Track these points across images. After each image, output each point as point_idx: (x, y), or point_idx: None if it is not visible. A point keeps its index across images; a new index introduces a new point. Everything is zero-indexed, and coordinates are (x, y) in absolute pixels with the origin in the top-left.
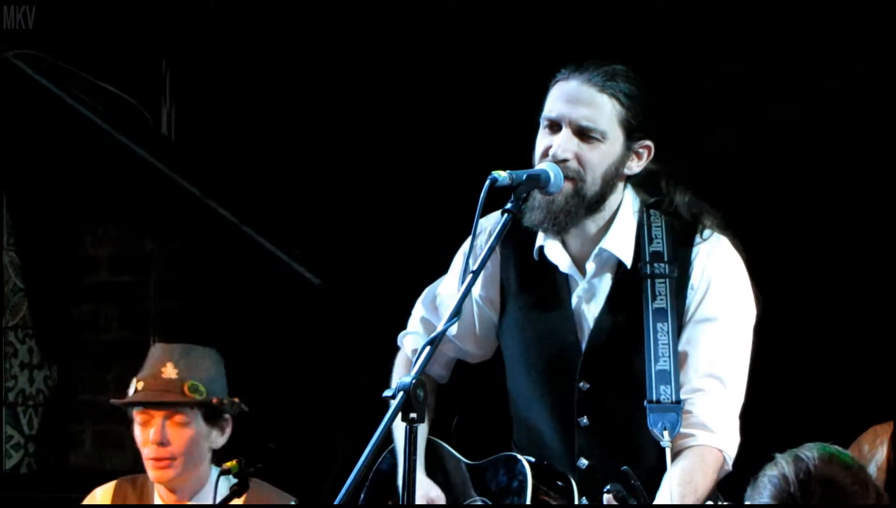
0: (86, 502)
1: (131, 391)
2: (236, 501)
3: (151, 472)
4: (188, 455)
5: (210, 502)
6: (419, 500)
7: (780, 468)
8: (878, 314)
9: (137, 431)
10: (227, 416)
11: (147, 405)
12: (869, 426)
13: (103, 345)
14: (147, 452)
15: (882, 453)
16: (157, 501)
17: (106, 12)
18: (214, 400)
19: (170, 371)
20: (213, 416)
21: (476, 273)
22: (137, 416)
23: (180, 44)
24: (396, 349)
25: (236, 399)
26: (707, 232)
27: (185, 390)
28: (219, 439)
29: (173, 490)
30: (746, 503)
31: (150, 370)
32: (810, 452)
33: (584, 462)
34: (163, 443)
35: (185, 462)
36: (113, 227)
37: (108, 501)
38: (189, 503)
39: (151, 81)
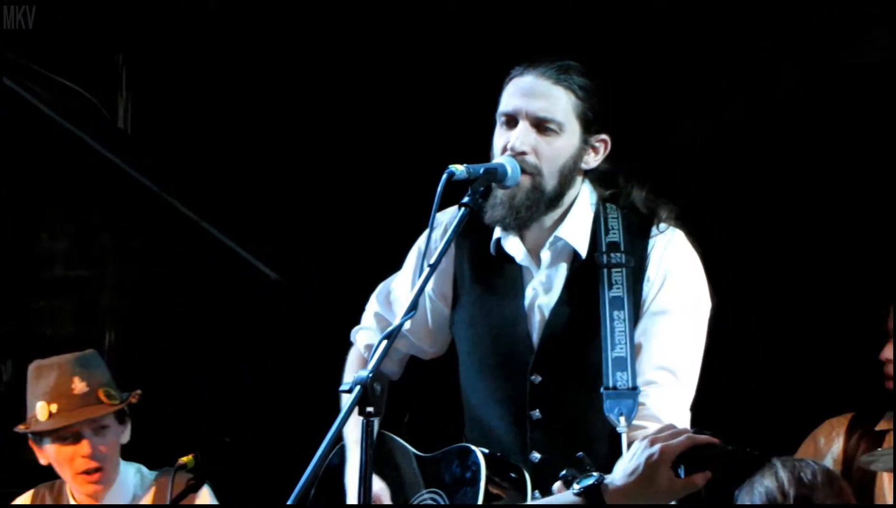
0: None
1: (42, 415)
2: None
3: (83, 486)
4: (113, 459)
5: (123, 493)
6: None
7: (779, 481)
8: (832, 308)
9: (54, 451)
10: (127, 410)
11: (75, 424)
12: (824, 419)
13: (59, 340)
14: (76, 467)
15: (838, 446)
16: (71, 502)
17: (60, 5)
18: (132, 399)
19: (78, 385)
20: (121, 415)
21: (433, 267)
22: (56, 438)
23: (136, 37)
24: (350, 344)
25: (138, 391)
26: (663, 225)
27: (101, 398)
28: (126, 434)
29: (94, 493)
30: (737, 503)
31: (55, 389)
32: (812, 474)
33: (536, 455)
34: (94, 456)
35: (112, 465)
36: (69, 222)
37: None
38: (107, 497)
39: (107, 75)
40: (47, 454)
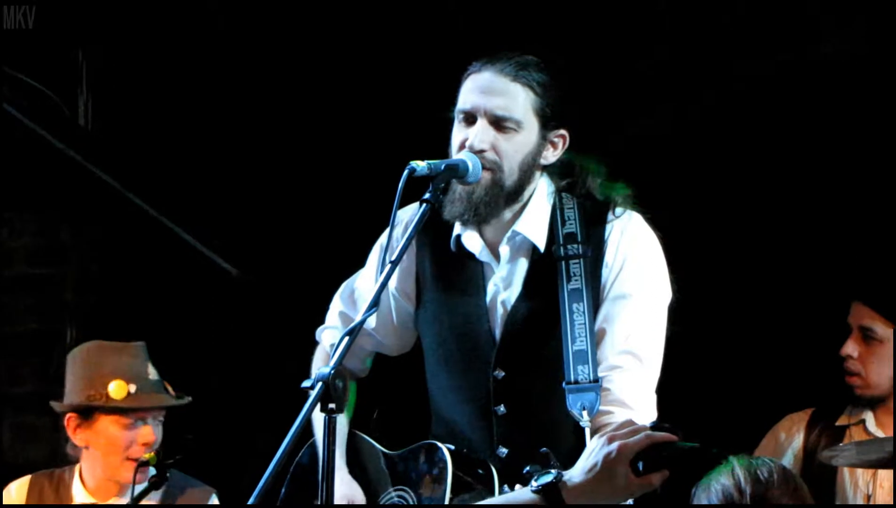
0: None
1: (119, 393)
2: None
3: (128, 474)
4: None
5: (130, 494)
6: (340, 499)
7: (735, 479)
8: (793, 303)
9: (113, 432)
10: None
11: (154, 407)
12: (785, 414)
13: (19, 337)
14: (132, 452)
15: (798, 441)
16: (79, 495)
17: (19, 3)
18: (188, 399)
19: (152, 373)
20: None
21: (394, 264)
22: (121, 418)
23: (96, 33)
24: (315, 343)
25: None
26: (619, 209)
27: (169, 388)
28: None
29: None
30: (694, 502)
31: (132, 370)
32: (768, 472)
33: (503, 450)
34: (152, 444)
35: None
36: (30, 218)
37: (23, 495)
38: (116, 496)
39: (68, 72)
40: (98, 434)
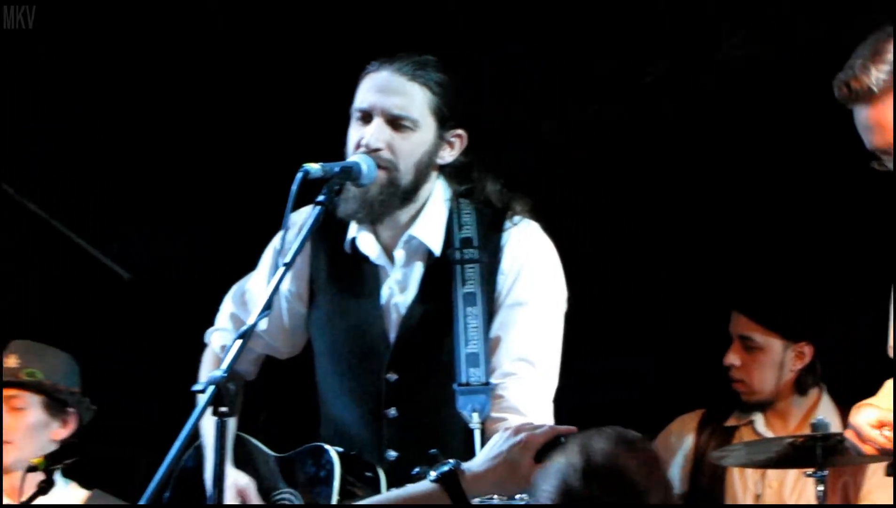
0: None
1: None
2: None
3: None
4: (23, 442)
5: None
6: (229, 490)
7: (567, 455)
8: (685, 305)
9: None
10: (71, 409)
11: None
12: (676, 415)
13: None
14: None
15: (689, 442)
16: None
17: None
18: (46, 382)
19: (11, 361)
20: (53, 406)
21: (287, 266)
22: None
23: None
24: (204, 346)
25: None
26: (517, 217)
27: (20, 375)
28: (61, 431)
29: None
30: (536, 488)
31: None
32: (600, 440)
33: (392, 453)
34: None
35: (21, 448)
36: None
37: None
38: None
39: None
40: None
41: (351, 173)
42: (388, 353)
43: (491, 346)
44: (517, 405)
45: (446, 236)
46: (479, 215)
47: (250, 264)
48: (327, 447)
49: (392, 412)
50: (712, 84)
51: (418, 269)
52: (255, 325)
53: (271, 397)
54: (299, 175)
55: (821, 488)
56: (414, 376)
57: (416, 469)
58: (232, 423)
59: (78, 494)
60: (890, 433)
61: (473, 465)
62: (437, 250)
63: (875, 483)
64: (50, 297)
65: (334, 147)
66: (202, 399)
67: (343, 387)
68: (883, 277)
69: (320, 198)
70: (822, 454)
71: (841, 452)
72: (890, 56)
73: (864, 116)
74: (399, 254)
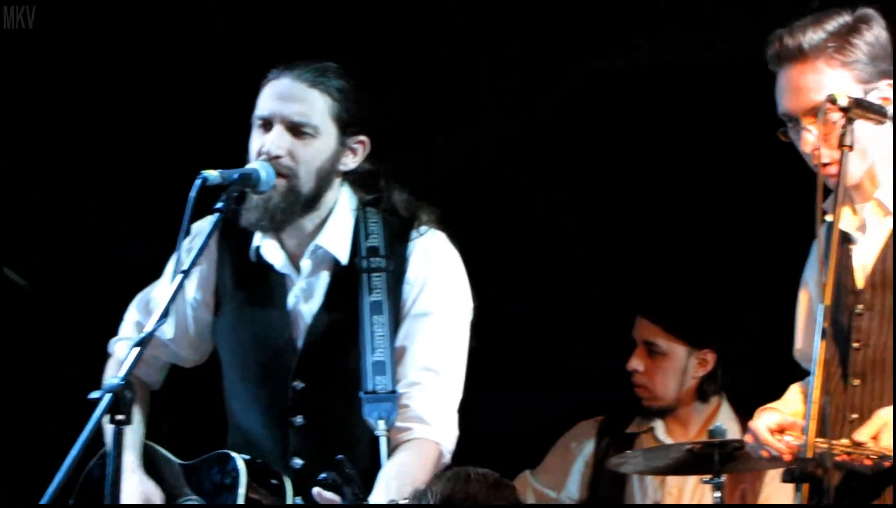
0: None
1: None
2: None
3: None
4: None
5: None
6: (136, 497)
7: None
8: (590, 310)
9: None
10: None
11: None
12: (576, 422)
13: None
14: None
15: (589, 448)
16: None
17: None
18: None
19: None
20: None
21: (186, 274)
22: None
23: None
24: (107, 355)
25: None
26: (424, 227)
27: None
28: None
29: None
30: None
31: None
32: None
33: (298, 461)
34: None
35: None
36: None
37: None
38: None
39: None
40: None
41: (250, 180)
42: (295, 361)
43: (397, 355)
44: (422, 414)
45: (353, 245)
46: (386, 225)
47: (156, 273)
48: (233, 454)
49: (298, 419)
50: (621, 90)
51: (325, 278)
52: (151, 333)
53: (177, 406)
54: (197, 182)
55: (718, 494)
56: (320, 384)
57: (323, 475)
58: (139, 430)
59: None
60: (789, 439)
61: None
62: (343, 259)
63: (773, 490)
64: None
65: (239, 155)
66: (99, 407)
67: (250, 395)
68: (787, 284)
69: (218, 205)
70: (719, 460)
71: (739, 459)
72: (830, 26)
73: (787, 75)
74: (305, 263)
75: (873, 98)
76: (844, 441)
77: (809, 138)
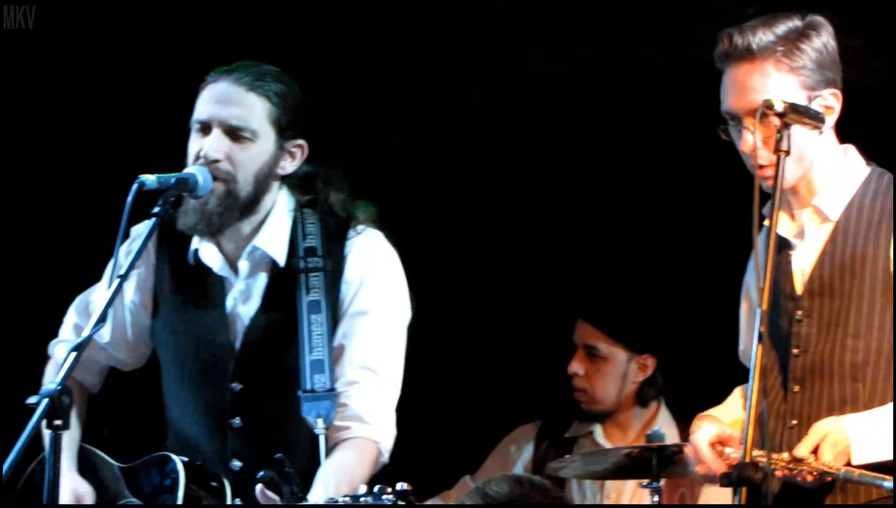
0: None
1: None
2: None
3: None
4: None
5: None
6: (69, 497)
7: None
8: (526, 317)
9: None
10: None
11: None
12: (515, 426)
13: None
14: None
15: (528, 452)
16: None
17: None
18: None
19: None
20: None
21: (123, 277)
22: None
23: None
24: (47, 357)
25: None
26: (361, 226)
27: None
28: None
29: None
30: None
31: None
32: (497, 486)
33: (237, 463)
34: None
35: None
36: None
37: None
38: None
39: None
40: None
41: (187, 185)
42: (232, 363)
43: (335, 354)
44: (360, 413)
45: (290, 246)
46: (324, 225)
47: (96, 275)
48: (172, 456)
49: (237, 421)
50: (538, 92)
51: (262, 279)
52: (89, 338)
53: (115, 411)
54: (134, 187)
55: (656, 499)
56: (258, 384)
57: (262, 473)
58: (75, 434)
59: None
60: (729, 451)
61: None
62: (281, 260)
63: (711, 494)
64: None
65: (178, 159)
66: (36, 412)
67: (188, 397)
68: (727, 290)
69: (156, 210)
70: (657, 465)
71: (676, 463)
72: (780, 29)
73: (734, 74)
74: (243, 265)
75: (816, 105)
76: (784, 456)
77: (749, 139)
